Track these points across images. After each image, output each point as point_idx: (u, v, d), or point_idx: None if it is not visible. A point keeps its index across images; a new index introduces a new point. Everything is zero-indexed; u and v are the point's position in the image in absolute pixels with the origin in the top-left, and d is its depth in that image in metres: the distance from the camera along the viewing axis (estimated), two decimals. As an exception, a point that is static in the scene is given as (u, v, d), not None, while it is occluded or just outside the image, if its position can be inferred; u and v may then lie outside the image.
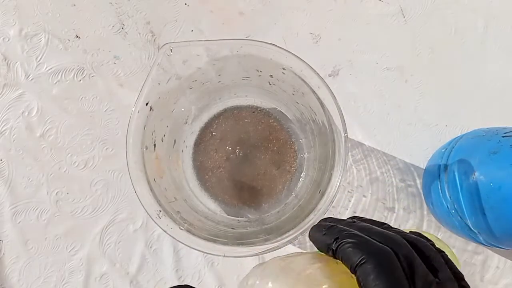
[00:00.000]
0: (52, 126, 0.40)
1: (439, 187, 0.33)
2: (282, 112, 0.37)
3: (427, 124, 0.39)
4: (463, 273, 0.18)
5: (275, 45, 0.28)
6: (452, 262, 0.18)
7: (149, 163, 0.30)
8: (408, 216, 0.38)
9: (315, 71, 0.28)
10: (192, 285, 0.19)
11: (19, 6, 0.41)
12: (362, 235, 0.17)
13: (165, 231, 0.28)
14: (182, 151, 0.37)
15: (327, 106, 0.29)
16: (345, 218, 0.21)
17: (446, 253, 0.18)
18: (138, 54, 0.40)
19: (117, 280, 0.38)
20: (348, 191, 0.39)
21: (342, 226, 0.18)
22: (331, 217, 0.20)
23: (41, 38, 0.41)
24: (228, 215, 0.37)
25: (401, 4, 0.40)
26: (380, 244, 0.16)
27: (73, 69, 0.40)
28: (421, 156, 0.39)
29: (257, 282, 0.18)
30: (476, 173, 0.29)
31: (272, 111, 0.38)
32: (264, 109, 0.38)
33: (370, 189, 0.38)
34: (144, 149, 0.30)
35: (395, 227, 0.19)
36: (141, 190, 0.28)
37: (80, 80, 0.40)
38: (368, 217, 0.38)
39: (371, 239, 0.17)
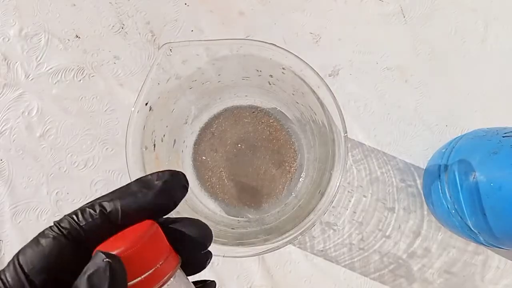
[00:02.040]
0: (52, 126, 0.40)
1: (440, 187, 0.33)
2: (282, 112, 0.37)
3: (427, 124, 0.39)
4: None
5: (275, 45, 0.28)
6: None
7: (148, 163, 0.30)
8: (408, 216, 0.38)
9: (315, 71, 0.28)
10: None
11: (19, 6, 0.41)
12: None
13: (164, 231, 0.28)
14: (182, 151, 0.37)
15: (327, 106, 0.29)
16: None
17: None
18: (138, 54, 0.40)
19: (117, 280, 0.38)
20: (348, 191, 0.39)
21: None
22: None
23: (41, 38, 0.41)
24: (228, 215, 0.37)
25: (401, 4, 0.40)
26: None
27: (73, 69, 0.40)
28: (421, 156, 0.39)
29: None
30: (477, 173, 0.29)
31: (272, 111, 0.38)
32: (264, 109, 0.38)
33: (370, 189, 0.38)
34: (144, 149, 0.30)
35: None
36: (140, 190, 0.28)
37: (80, 80, 0.40)
38: (368, 217, 0.38)
39: None
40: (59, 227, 0.15)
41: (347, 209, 0.38)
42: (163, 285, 0.16)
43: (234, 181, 0.37)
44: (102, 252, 0.14)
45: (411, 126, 0.39)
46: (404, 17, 0.40)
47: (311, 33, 0.40)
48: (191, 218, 0.18)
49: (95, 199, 0.16)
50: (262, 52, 0.29)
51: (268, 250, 0.28)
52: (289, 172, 0.37)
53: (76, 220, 0.16)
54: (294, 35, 0.40)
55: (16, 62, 0.41)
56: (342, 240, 0.38)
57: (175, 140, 0.35)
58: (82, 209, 0.16)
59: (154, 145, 0.31)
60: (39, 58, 0.41)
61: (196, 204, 0.36)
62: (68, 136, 0.40)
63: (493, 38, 0.40)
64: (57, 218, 0.16)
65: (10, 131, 0.40)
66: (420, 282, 0.37)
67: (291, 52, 0.28)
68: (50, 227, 0.16)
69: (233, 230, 0.33)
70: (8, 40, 0.41)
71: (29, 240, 0.15)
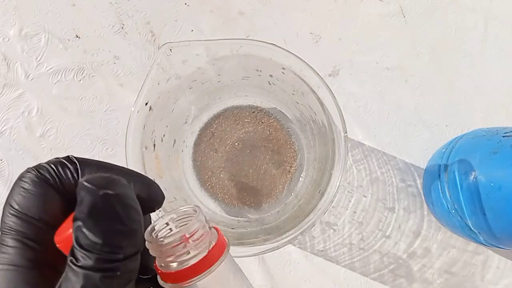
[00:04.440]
0: (52, 126, 0.40)
1: (439, 187, 0.33)
2: (282, 112, 0.37)
3: (427, 124, 0.39)
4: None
5: (275, 45, 0.28)
6: None
7: (148, 163, 0.30)
8: (408, 216, 0.38)
9: (315, 71, 0.28)
10: None
11: (19, 6, 0.41)
12: None
13: (164, 231, 0.28)
14: (182, 151, 0.37)
15: (327, 106, 0.29)
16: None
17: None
18: (138, 54, 0.40)
19: (117, 280, 0.38)
20: (348, 191, 0.39)
21: None
22: None
23: (41, 38, 0.41)
24: (228, 215, 0.37)
25: (401, 4, 0.40)
26: None
27: (73, 69, 0.40)
28: (421, 156, 0.39)
29: None
30: (476, 173, 0.29)
31: (272, 111, 0.38)
32: (264, 109, 0.37)
33: (370, 189, 0.38)
34: (144, 149, 0.30)
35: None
36: (140, 190, 0.28)
37: (80, 80, 0.40)
38: (368, 217, 0.38)
39: None
40: (39, 173, 0.14)
41: (347, 209, 0.38)
42: (215, 269, 0.16)
43: (234, 181, 0.37)
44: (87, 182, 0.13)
45: (411, 126, 0.39)
46: (404, 17, 0.40)
47: (311, 33, 0.40)
48: (138, 175, 0.17)
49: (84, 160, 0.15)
50: (262, 52, 0.29)
51: (268, 250, 0.28)
52: (289, 172, 0.37)
53: (58, 174, 0.15)
54: (294, 35, 0.40)
55: (16, 62, 0.41)
56: (342, 240, 0.38)
57: (175, 140, 0.35)
58: (63, 164, 0.15)
59: (154, 145, 0.31)
60: (39, 58, 0.41)
61: (196, 204, 0.36)
62: (68, 136, 0.40)
63: (493, 38, 0.40)
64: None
65: (10, 131, 0.40)
66: (420, 282, 0.37)
67: (291, 52, 0.28)
68: (28, 171, 0.15)
69: (233, 230, 0.33)
70: (8, 40, 0.41)
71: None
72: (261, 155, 0.37)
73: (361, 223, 0.38)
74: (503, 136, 0.29)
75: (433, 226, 0.38)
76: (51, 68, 0.40)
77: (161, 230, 0.16)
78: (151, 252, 0.16)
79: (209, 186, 0.37)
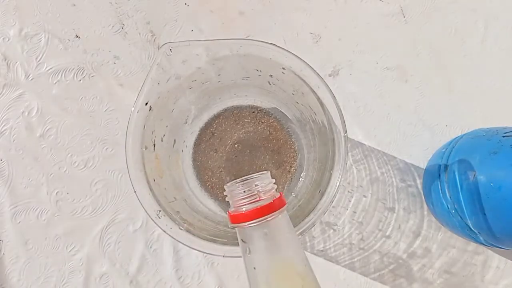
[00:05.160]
0: (52, 126, 0.40)
1: (439, 187, 0.33)
2: (282, 112, 0.37)
3: (427, 124, 0.39)
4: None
5: (275, 45, 0.28)
6: None
7: (148, 163, 0.30)
8: (408, 216, 0.38)
9: (315, 71, 0.28)
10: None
11: (19, 6, 0.41)
12: None
13: (164, 231, 0.28)
14: (182, 151, 0.37)
15: (327, 106, 0.29)
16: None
17: None
18: (138, 54, 0.41)
19: (117, 280, 0.38)
20: (348, 191, 0.39)
21: None
22: None
23: (41, 38, 0.41)
24: (228, 215, 0.36)
25: (401, 4, 0.40)
26: None
27: (73, 69, 0.40)
28: (421, 156, 0.39)
29: None
30: (476, 173, 0.29)
31: (272, 111, 0.38)
32: (264, 109, 0.38)
33: (370, 189, 0.38)
34: (144, 149, 0.30)
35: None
36: (140, 190, 0.28)
37: (80, 80, 0.40)
38: (368, 217, 0.38)
39: None
40: None
41: (347, 209, 0.38)
42: (277, 215, 0.21)
43: (234, 181, 0.37)
44: None
45: (411, 126, 0.39)
46: (404, 17, 0.40)
47: (311, 33, 0.40)
48: None
49: None
50: (262, 52, 0.29)
51: (268, 250, 0.28)
52: (289, 172, 0.37)
53: None
54: (294, 35, 0.40)
55: (16, 62, 0.41)
56: (342, 240, 0.38)
57: (175, 140, 0.35)
58: None
59: (154, 145, 0.31)
60: (39, 58, 0.41)
61: (196, 204, 0.36)
62: (68, 136, 0.40)
63: (493, 38, 0.40)
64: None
65: (10, 131, 0.40)
66: (420, 282, 0.37)
67: (291, 52, 0.28)
68: None
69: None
70: (8, 40, 0.41)
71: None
72: (261, 155, 0.37)
73: (361, 223, 0.38)
74: (503, 136, 0.29)
75: (433, 226, 0.38)
76: (51, 68, 0.40)
77: (240, 181, 0.22)
78: (228, 195, 0.22)
79: (209, 186, 0.37)
